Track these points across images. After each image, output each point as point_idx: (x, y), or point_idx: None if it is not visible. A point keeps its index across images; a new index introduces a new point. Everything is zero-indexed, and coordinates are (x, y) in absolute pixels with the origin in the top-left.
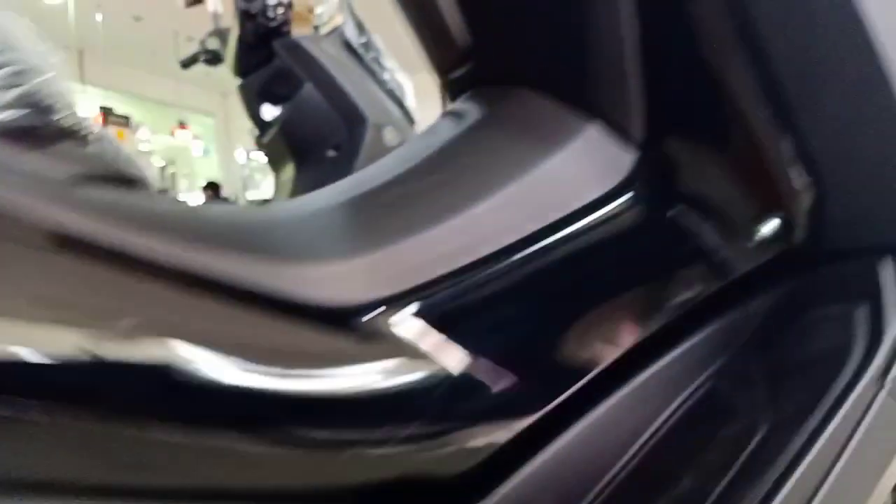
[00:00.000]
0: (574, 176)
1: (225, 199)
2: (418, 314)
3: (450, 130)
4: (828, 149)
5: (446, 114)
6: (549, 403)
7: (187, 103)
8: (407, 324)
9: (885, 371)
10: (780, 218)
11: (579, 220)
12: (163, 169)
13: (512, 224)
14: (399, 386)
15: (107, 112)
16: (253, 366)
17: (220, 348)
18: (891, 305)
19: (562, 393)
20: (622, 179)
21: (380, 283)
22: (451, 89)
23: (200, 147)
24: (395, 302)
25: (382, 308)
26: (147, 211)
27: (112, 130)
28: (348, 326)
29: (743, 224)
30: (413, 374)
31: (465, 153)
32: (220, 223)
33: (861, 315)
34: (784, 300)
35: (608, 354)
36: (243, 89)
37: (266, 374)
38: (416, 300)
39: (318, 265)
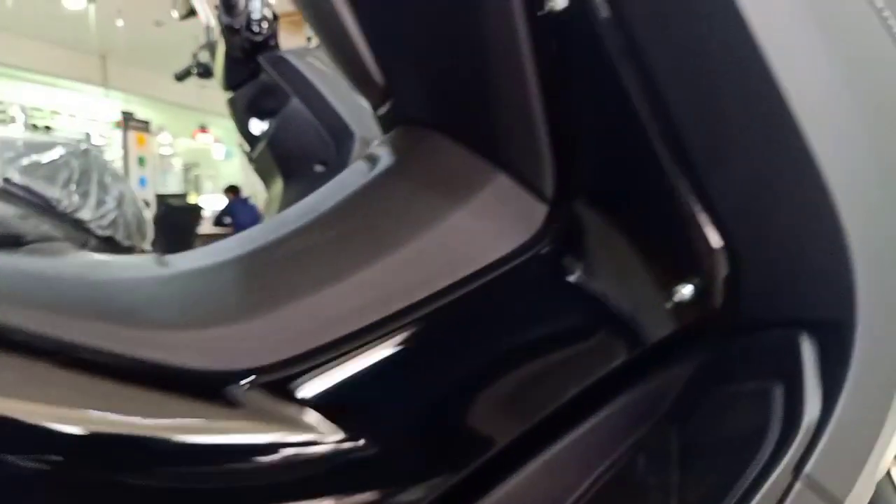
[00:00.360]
0: (481, 231)
1: (245, 200)
2: (299, 382)
3: (360, 177)
4: (739, 212)
5: (365, 156)
6: (452, 478)
7: (208, 107)
8: (286, 392)
9: (802, 461)
10: (695, 284)
11: (483, 279)
12: (186, 171)
13: (410, 284)
14: (267, 458)
15: (127, 117)
16: (117, 435)
17: (81, 418)
18: (809, 388)
19: (465, 467)
20: (531, 236)
21: (258, 349)
22: (381, 125)
23: (222, 150)
24: (273, 370)
25: (255, 376)
26: (19, 274)
27: (132, 135)
28: (218, 395)
29: (657, 288)
30: (285, 446)
31: (367, 206)
32: (97, 287)
33: (777, 396)
34: (703, 371)
35: (516, 425)
36: (232, 103)
37: (130, 444)
38: (299, 368)
39: (195, 331)
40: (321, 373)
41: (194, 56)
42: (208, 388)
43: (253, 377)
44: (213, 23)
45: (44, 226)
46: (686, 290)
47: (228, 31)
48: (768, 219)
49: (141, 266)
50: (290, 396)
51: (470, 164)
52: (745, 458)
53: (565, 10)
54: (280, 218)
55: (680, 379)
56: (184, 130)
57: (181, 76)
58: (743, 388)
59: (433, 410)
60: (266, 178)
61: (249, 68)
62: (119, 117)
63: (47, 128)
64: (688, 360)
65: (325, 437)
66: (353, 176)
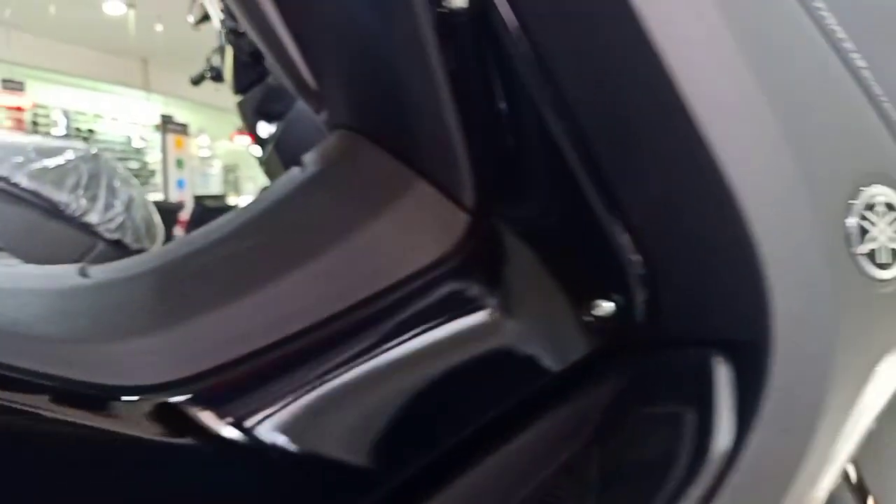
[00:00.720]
0: (398, 242)
1: None
2: (204, 398)
3: (286, 185)
4: (653, 226)
5: (301, 164)
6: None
7: None
8: (189, 408)
9: (710, 494)
10: (616, 300)
11: (399, 293)
12: (227, 173)
13: (324, 298)
14: (168, 475)
15: (166, 120)
16: (22, 453)
17: None
18: (721, 415)
19: (372, 493)
20: (451, 248)
21: (161, 364)
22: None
23: (259, 152)
24: (176, 386)
25: (158, 392)
26: None
27: (171, 138)
28: (127, 410)
29: (578, 304)
30: (185, 464)
31: (286, 215)
32: (11, 300)
33: (688, 423)
34: (625, 391)
35: (433, 448)
36: (241, 106)
37: (35, 460)
38: (204, 383)
39: (96, 344)
40: (228, 388)
41: (208, 60)
42: (106, 404)
43: (155, 393)
44: None
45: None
46: (607, 306)
47: (233, 34)
48: (680, 233)
49: (58, 277)
50: (193, 413)
51: (391, 172)
52: (651, 491)
53: (467, 10)
54: (209, 227)
55: (604, 399)
56: (222, 133)
57: (196, 80)
58: (658, 413)
59: (343, 431)
60: (275, 180)
61: (257, 71)
62: (159, 120)
63: (90, 131)
64: (613, 379)
65: (229, 454)
66: (282, 184)
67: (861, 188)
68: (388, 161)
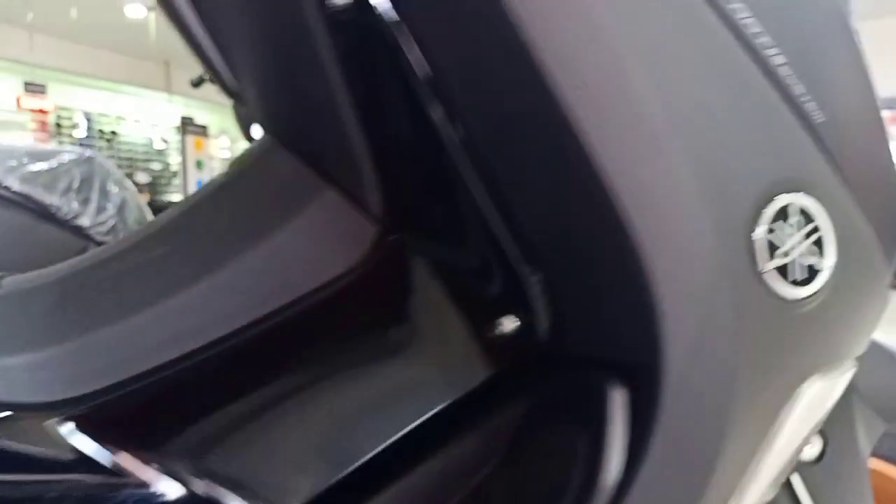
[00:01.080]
0: (302, 254)
1: None
2: (99, 417)
3: (202, 192)
4: (546, 240)
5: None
6: None
7: None
8: (83, 427)
9: None
10: (519, 317)
11: (300, 308)
12: None
13: (220, 315)
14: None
15: (186, 122)
16: None
17: None
18: (612, 443)
19: None
20: (357, 261)
21: (48, 382)
22: None
23: None
24: (71, 404)
25: (41, 410)
26: None
27: (191, 139)
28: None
29: (483, 322)
30: (77, 486)
31: (193, 223)
32: None
33: (579, 451)
34: (531, 413)
35: (334, 471)
36: (236, 109)
37: None
38: (98, 401)
39: None
40: (123, 407)
41: None
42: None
43: (29, 412)
44: None
45: None
46: (510, 324)
47: None
48: (571, 248)
49: None
50: (71, 436)
51: (301, 179)
52: None
53: (353, 6)
54: (126, 235)
55: (511, 421)
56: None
57: (196, 83)
58: (559, 438)
59: (238, 457)
60: None
61: None
62: (178, 123)
63: (113, 133)
64: (519, 401)
65: (122, 476)
66: (198, 192)
67: (775, 197)
68: (299, 168)
